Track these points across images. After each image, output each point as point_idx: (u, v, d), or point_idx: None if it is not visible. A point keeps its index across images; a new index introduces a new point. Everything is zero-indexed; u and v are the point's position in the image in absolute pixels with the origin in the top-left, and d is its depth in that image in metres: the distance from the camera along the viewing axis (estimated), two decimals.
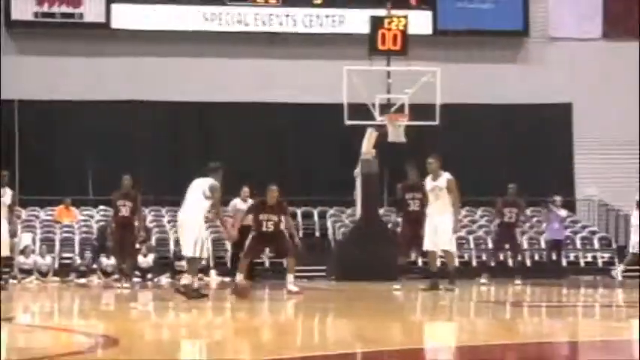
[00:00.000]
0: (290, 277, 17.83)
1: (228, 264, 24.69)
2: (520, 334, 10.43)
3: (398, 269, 19.49)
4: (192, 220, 16.09)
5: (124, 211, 21.28)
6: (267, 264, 25.86)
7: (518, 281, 21.47)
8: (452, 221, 17.54)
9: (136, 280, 22.62)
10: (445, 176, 17.76)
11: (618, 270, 22.45)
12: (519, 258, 23.77)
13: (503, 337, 10.03)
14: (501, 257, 23.43)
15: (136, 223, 21.69)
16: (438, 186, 17.69)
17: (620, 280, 21.73)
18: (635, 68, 31.58)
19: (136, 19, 30.28)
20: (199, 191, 16.24)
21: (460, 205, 18.01)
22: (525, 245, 28.61)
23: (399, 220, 20.01)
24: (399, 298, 17.29)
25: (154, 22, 30.30)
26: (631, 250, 22.50)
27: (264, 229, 17.82)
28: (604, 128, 31.22)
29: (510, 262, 23.37)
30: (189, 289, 15.85)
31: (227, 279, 23.14)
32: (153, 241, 26.68)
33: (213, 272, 25.29)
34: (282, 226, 18.11)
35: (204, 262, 25.27)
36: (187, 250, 16.11)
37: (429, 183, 17.86)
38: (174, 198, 29.51)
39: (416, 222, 18.42)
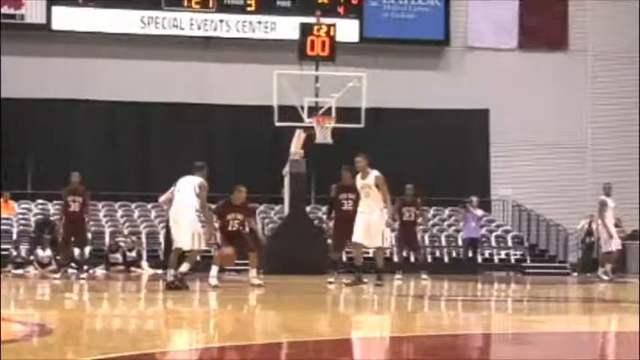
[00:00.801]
0: (253, 272, 17.70)
1: (161, 256, 24.45)
2: (436, 327, 10.45)
3: (331, 264, 19.42)
4: (187, 216, 16.13)
5: (74, 207, 21.06)
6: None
7: (424, 276, 21.43)
8: (383, 218, 17.47)
9: (71, 271, 22.31)
10: (373, 174, 17.63)
11: (607, 269, 22.54)
12: (421, 254, 23.90)
13: (422, 330, 10.05)
14: (404, 254, 23.12)
15: (86, 218, 21.49)
16: (367, 184, 17.59)
17: (610, 279, 21.86)
18: (547, 77, 31.98)
19: (76, 21, 29.94)
20: (191, 188, 16.26)
21: (391, 200, 17.89)
22: (443, 243, 28.82)
23: (330, 218, 19.84)
24: (327, 290, 17.26)
25: (93, 24, 29.99)
26: (613, 249, 22.69)
27: (229, 228, 17.64)
28: (518, 133, 31.55)
29: (412, 258, 23.38)
30: (180, 279, 15.84)
31: (159, 271, 22.91)
32: (89, 235, 26.36)
33: (145, 264, 25.08)
34: (246, 226, 18.06)
35: (134, 254, 25.09)
36: (185, 244, 16.07)
37: (358, 181, 17.77)
38: (109, 193, 29.43)
39: (348, 221, 18.17)
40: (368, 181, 17.62)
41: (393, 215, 21.60)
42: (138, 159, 30.56)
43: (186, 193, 16.27)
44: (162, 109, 30.47)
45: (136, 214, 29.14)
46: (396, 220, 21.81)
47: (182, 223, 16.18)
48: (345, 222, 18.27)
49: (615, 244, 22.77)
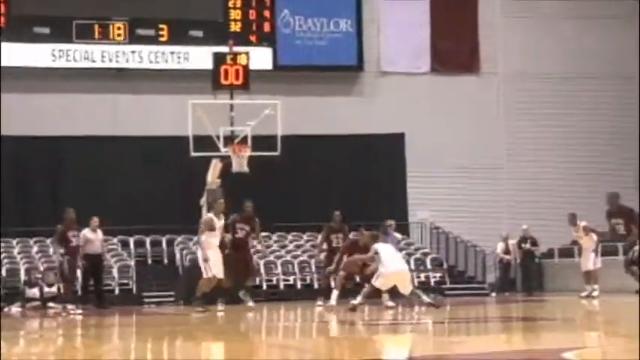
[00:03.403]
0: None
1: (79, 292, 24.05)
2: (354, 352, 10.44)
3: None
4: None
5: (75, 242, 21.58)
6: None
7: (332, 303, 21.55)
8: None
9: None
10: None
11: (595, 290, 22.96)
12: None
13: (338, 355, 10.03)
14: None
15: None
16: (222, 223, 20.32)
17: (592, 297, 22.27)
18: (461, 99, 32.36)
19: None
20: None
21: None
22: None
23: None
24: (244, 319, 17.17)
25: (4, 59, 29.53)
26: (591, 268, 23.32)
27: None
28: (434, 156, 31.81)
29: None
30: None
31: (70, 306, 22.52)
32: (3, 272, 25.97)
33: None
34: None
35: (54, 290, 24.70)
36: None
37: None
38: (23, 229, 28.97)
39: (242, 248, 21.20)
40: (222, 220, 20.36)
41: (321, 243, 22.02)
42: (49, 194, 30.08)
43: None
44: (75, 143, 30.10)
45: (51, 249, 28.72)
46: (324, 247, 22.09)
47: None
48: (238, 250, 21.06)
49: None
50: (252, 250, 22.72)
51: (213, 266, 19.82)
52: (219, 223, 20.38)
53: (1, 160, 28.99)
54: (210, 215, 20.66)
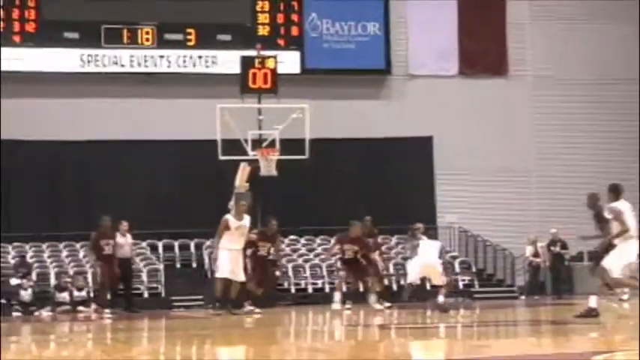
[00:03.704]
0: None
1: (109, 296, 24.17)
2: (386, 355, 10.45)
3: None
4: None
5: (107, 250, 22.78)
6: None
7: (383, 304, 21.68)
8: None
9: (16, 313, 22.08)
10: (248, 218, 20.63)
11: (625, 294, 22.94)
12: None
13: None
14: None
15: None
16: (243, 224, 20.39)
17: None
18: (489, 102, 32.27)
19: (14, 61, 29.64)
20: None
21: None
22: (392, 271, 28.84)
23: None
24: (272, 323, 17.19)
25: (32, 64, 29.73)
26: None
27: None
28: (462, 159, 31.71)
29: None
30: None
31: (107, 311, 22.70)
32: (33, 276, 26.13)
33: (93, 305, 24.81)
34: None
35: (84, 294, 24.86)
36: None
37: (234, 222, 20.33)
38: (53, 233, 29.16)
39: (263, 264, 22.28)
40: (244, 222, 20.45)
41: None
42: (78, 198, 30.24)
43: None
44: (103, 147, 30.24)
45: (81, 253, 28.87)
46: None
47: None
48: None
49: None
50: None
51: (223, 267, 19.79)
52: (238, 224, 20.36)
53: (18, 164, 29.19)
54: (227, 216, 20.63)
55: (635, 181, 31.27)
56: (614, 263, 15.14)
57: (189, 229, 29.12)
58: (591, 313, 14.71)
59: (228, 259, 19.80)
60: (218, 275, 20.08)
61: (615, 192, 15.71)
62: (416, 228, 26.02)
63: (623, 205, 15.42)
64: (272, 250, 22.55)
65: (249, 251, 21.38)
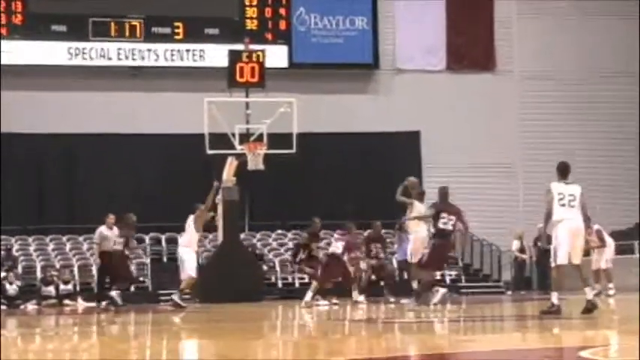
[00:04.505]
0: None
1: (95, 289, 24.18)
2: (374, 350, 10.46)
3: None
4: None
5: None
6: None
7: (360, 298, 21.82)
8: None
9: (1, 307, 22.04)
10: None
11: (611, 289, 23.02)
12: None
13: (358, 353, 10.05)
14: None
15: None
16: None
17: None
18: (476, 97, 32.31)
19: (4, 54, 29.54)
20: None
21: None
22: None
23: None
24: (259, 316, 17.19)
25: (19, 56, 29.65)
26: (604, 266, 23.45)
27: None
28: (449, 153, 31.76)
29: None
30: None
31: (93, 304, 22.68)
32: (19, 269, 26.08)
33: (80, 298, 24.80)
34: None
35: (70, 287, 24.82)
36: None
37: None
38: (39, 226, 29.09)
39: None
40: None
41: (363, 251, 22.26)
42: (65, 191, 30.18)
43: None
44: (90, 140, 30.19)
45: (68, 246, 28.82)
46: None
47: None
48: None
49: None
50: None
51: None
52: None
53: (11, 157, 29.09)
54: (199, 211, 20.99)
55: (622, 175, 31.38)
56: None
57: (176, 222, 29.08)
58: (552, 309, 14.23)
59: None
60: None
61: (558, 171, 14.81)
62: (403, 223, 26.12)
63: (557, 187, 14.53)
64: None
65: (322, 255, 21.90)
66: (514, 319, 16.25)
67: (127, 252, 22.56)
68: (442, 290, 19.21)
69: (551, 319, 13.79)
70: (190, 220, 20.84)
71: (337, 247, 21.16)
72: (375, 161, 31.40)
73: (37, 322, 17.14)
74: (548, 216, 14.62)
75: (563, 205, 14.43)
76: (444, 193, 19.33)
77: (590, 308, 14.14)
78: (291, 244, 29.66)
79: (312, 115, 28.40)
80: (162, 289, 26.84)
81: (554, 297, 14.39)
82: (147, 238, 29.28)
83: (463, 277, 29.41)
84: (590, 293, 14.40)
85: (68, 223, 29.21)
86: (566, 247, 14.42)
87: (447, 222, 18.88)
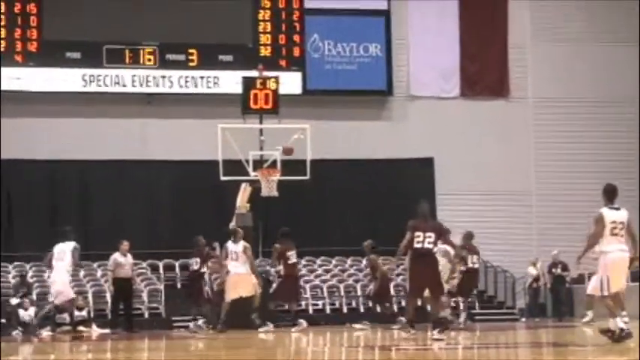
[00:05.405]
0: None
1: (109, 316, 24.24)
2: None
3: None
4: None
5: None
6: None
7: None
8: None
9: (16, 333, 22.09)
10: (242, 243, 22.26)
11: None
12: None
13: None
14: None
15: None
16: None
17: None
18: (490, 124, 32.36)
19: (16, 80, 29.76)
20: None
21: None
22: (392, 292, 28.83)
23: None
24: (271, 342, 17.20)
25: (33, 83, 29.84)
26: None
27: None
28: (463, 180, 31.79)
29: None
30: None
31: (107, 331, 22.74)
32: (34, 295, 26.16)
33: (94, 325, 24.84)
34: None
35: (84, 314, 24.91)
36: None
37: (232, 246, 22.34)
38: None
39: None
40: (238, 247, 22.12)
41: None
42: (79, 218, 30.29)
43: None
44: (104, 167, 30.33)
45: (82, 273, 28.89)
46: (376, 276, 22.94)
47: None
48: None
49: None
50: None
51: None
52: (236, 247, 22.00)
53: (19, 184, 29.26)
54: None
55: (636, 201, 31.34)
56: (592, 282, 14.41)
57: (190, 249, 29.17)
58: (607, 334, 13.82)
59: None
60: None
61: (605, 195, 14.21)
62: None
63: (609, 214, 13.97)
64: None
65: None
66: (529, 346, 16.24)
67: (203, 270, 23.89)
68: (402, 319, 20.26)
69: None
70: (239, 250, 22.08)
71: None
72: (388, 188, 31.43)
73: (51, 348, 17.18)
74: (593, 243, 14.07)
75: (615, 235, 13.95)
76: (467, 234, 20.03)
77: (623, 336, 13.82)
78: (305, 271, 29.69)
79: (325, 141, 28.51)
80: (175, 315, 26.88)
81: (617, 322, 13.89)
82: (161, 265, 29.34)
83: (477, 304, 29.36)
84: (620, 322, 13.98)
85: (82, 249, 29.24)
86: (617, 276, 14.01)
87: (421, 240, 17.86)
